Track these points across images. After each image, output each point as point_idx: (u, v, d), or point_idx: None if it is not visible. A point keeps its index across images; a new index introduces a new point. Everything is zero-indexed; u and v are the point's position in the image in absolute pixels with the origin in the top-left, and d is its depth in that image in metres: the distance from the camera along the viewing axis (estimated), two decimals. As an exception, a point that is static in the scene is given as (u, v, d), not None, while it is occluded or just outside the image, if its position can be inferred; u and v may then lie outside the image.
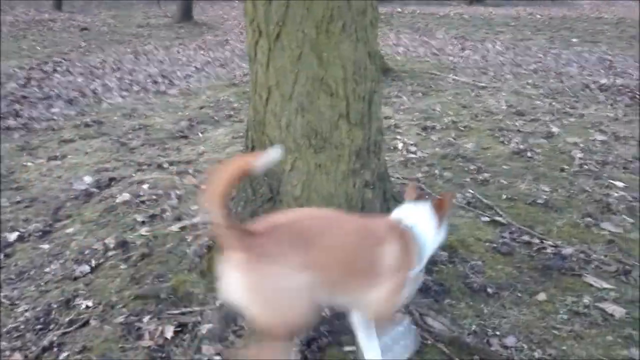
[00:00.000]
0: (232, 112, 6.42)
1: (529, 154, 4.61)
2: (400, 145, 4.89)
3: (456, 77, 7.95)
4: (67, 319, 2.55)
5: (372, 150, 2.62)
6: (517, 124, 5.60)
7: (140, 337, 2.39)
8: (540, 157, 4.57)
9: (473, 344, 2.26)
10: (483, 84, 7.50)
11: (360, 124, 2.50)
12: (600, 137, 5.10)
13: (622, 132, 5.24)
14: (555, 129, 5.35)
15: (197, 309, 2.53)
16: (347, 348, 2.28)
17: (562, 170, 4.28)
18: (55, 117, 6.23)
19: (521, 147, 4.80)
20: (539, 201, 3.67)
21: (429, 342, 2.30)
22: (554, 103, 6.46)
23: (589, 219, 3.40)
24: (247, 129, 2.77)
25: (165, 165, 4.67)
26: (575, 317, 2.46)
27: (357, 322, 2.04)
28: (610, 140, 5.02)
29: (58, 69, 8.80)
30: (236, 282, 1.62)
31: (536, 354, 2.22)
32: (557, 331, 2.37)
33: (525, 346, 2.27)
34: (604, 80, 7.54)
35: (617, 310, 2.47)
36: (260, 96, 2.52)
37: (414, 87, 7.41)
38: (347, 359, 2.22)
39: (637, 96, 6.66)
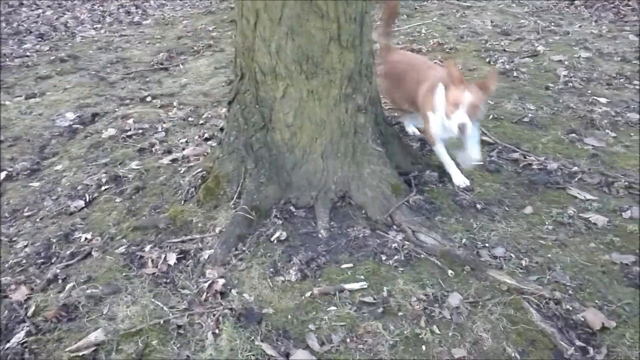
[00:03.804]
0: (211, 42, 6.23)
1: (515, 74, 4.62)
2: (386, 70, 4.84)
3: (440, -3, 7.74)
4: (68, 252, 2.60)
5: (363, 73, 2.60)
6: (502, 43, 5.55)
7: (143, 265, 2.45)
8: (525, 76, 4.58)
9: (464, 256, 2.37)
10: (468, 4, 7.34)
11: (351, 46, 2.45)
12: (584, 54, 5.10)
13: (606, 49, 5.25)
14: (540, 48, 5.32)
15: (197, 236, 2.58)
16: (344, 265, 2.38)
17: (547, 88, 4.31)
18: (28, 54, 5.99)
19: (507, 67, 4.79)
20: (525, 119, 3.73)
21: (422, 256, 2.41)
22: (539, 21, 6.38)
23: (573, 134, 3.48)
24: (236, 56, 2.70)
25: (148, 98, 4.58)
26: (560, 227, 2.59)
27: None
28: (594, 57, 5.03)
29: (25, 2, 8.34)
30: None
31: (523, 262, 2.34)
32: (543, 241, 2.49)
33: (513, 255, 2.39)
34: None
35: (600, 219, 2.59)
36: (248, 20, 2.44)
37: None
38: (345, 275, 2.33)
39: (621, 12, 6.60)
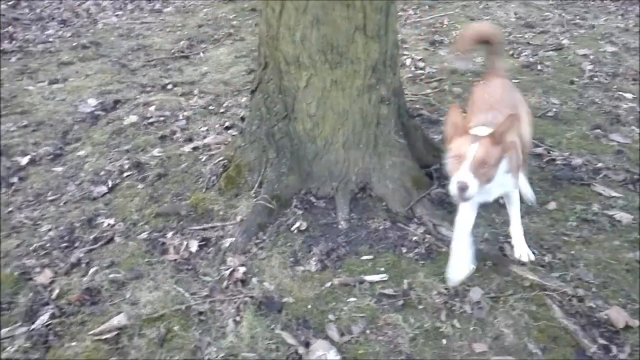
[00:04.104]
0: (232, 30, 6.21)
1: (538, 67, 4.54)
2: (408, 61, 4.80)
3: (463, -12, 7.59)
4: (91, 237, 2.64)
5: (388, 64, 2.57)
6: (526, 36, 5.45)
7: (165, 251, 2.48)
8: (550, 69, 4.50)
9: (485, 251, 2.35)
10: (491, -5, 7.21)
11: (376, 36, 2.43)
12: (610, 48, 4.98)
13: (632, 43, 5.12)
14: (565, 41, 5.22)
15: (218, 224, 2.60)
16: (364, 257, 2.38)
17: (572, 82, 4.23)
18: (51, 39, 6.04)
19: (531, 60, 4.71)
20: (549, 114, 3.67)
21: (443, 249, 2.39)
22: (563, 14, 6.25)
23: (598, 130, 3.41)
24: (259, 45, 2.70)
25: (169, 86, 4.60)
26: (584, 224, 2.55)
27: None
28: (620, 52, 4.91)
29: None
30: None
31: (546, 259, 2.32)
32: (566, 237, 2.46)
33: (536, 251, 2.36)
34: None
35: (625, 217, 2.55)
36: (273, 9, 2.43)
37: (420, -1, 7.13)
38: (364, 267, 2.33)
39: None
